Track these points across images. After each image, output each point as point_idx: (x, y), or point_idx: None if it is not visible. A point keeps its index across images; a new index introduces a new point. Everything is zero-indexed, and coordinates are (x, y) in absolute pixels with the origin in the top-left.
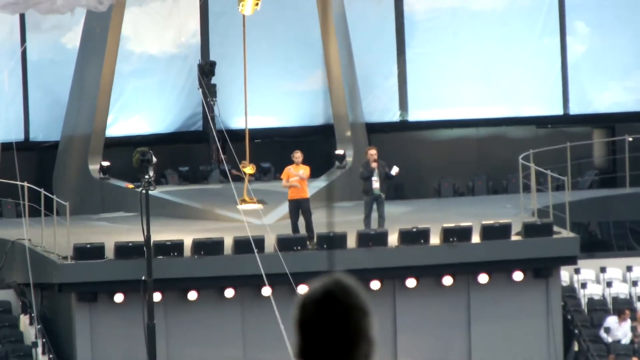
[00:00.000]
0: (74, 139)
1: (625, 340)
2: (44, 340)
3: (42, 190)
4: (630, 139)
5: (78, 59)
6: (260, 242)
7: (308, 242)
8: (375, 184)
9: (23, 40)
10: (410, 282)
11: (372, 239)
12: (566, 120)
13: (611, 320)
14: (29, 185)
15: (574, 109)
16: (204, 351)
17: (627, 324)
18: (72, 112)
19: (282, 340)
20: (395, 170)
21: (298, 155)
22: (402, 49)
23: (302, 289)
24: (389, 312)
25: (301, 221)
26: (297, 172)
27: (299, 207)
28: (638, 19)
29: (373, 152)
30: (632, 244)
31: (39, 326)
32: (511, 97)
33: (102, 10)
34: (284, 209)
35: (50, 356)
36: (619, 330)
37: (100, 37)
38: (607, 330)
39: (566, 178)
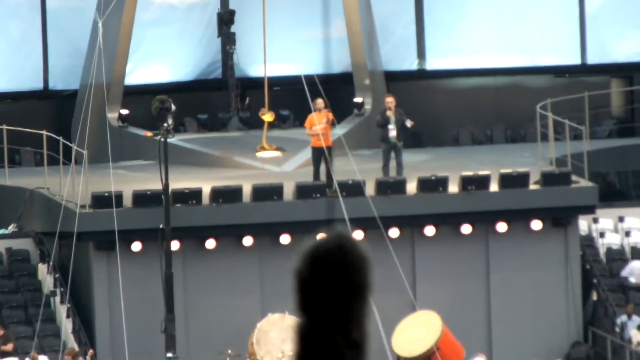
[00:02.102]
0: (93, 87)
1: None
2: (62, 289)
3: (60, 138)
4: None
5: (97, 7)
6: (279, 190)
7: (327, 190)
8: (392, 132)
9: None
10: (429, 230)
11: (391, 187)
12: (584, 69)
13: (636, 265)
14: (47, 133)
15: (592, 59)
16: (222, 300)
17: None
18: (91, 61)
19: None
20: (409, 123)
21: (320, 102)
22: None
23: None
24: (408, 261)
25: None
26: (320, 120)
27: (321, 155)
28: None
29: (390, 100)
30: None
31: (57, 275)
32: (529, 46)
33: None
34: (303, 156)
35: (69, 305)
36: None
37: None
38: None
39: (584, 127)
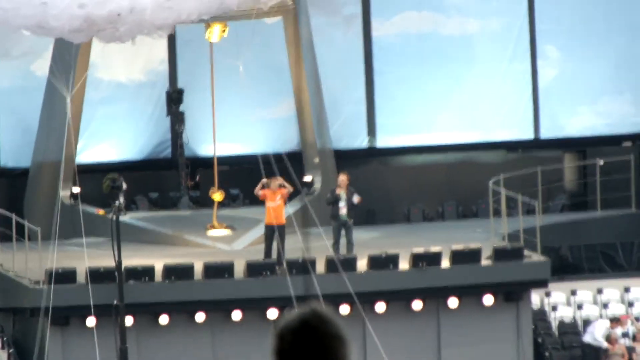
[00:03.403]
0: (44, 165)
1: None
2: None
3: (13, 215)
4: (602, 163)
5: (47, 86)
6: (230, 268)
7: (277, 268)
8: (343, 210)
9: None
10: (380, 307)
11: (341, 265)
12: (537, 144)
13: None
14: (0, 210)
15: (545, 133)
16: None
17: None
18: (42, 140)
19: None
20: (356, 198)
21: (275, 183)
22: (370, 75)
23: (276, 316)
24: (359, 337)
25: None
26: (274, 197)
27: (274, 232)
28: (608, 44)
29: (342, 178)
30: (603, 266)
31: (11, 350)
32: (481, 122)
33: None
34: (253, 234)
35: None
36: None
37: (68, 65)
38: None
39: (537, 202)
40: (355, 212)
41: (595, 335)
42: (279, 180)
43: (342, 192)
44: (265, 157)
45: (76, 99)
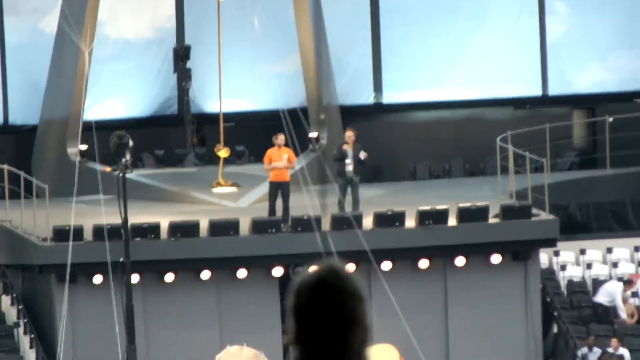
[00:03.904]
0: (52, 122)
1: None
2: (25, 320)
3: (21, 172)
4: (611, 120)
5: (55, 44)
6: (235, 225)
7: (282, 225)
8: (349, 166)
9: (1, 23)
10: (386, 266)
11: (347, 222)
12: (545, 101)
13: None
14: (8, 167)
15: (553, 90)
16: (181, 332)
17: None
18: (49, 97)
19: (256, 320)
20: (363, 154)
21: (282, 138)
22: (376, 31)
23: (281, 274)
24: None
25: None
26: (279, 155)
27: (279, 189)
28: None
29: (349, 135)
30: (612, 225)
31: (21, 307)
32: (489, 78)
33: None
34: (258, 191)
35: (32, 336)
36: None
37: (77, 22)
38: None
39: (545, 159)
40: (362, 169)
41: (617, 301)
42: (282, 136)
43: (348, 149)
44: (279, 113)
45: (83, 57)
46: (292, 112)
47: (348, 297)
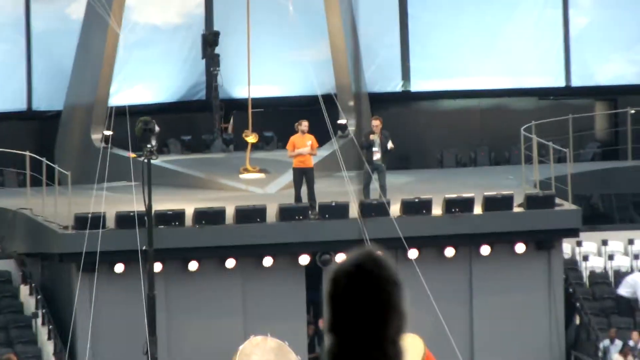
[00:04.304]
0: (76, 108)
1: None
2: (43, 310)
3: (44, 159)
4: (633, 112)
5: (82, 29)
6: (262, 212)
7: (310, 212)
8: (377, 154)
9: (27, 10)
10: (412, 253)
11: (374, 209)
12: (568, 92)
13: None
14: (31, 154)
15: (576, 81)
16: (204, 322)
17: None
18: (75, 82)
19: (281, 310)
20: (390, 145)
21: (305, 124)
22: (404, 19)
23: (308, 261)
24: None
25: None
26: (303, 142)
27: (303, 176)
28: None
29: (376, 123)
30: (634, 216)
31: (39, 296)
32: (513, 68)
33: None
34: (286, 178)
35: (50, 327)
36: None
37: (104, 8)
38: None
39: (568, 150)
40: (389, 157)
41: (639, 294)
42: (306, 122)
43: (375, 137)
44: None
45: (110, 42)
46: (325, 98)
47: (386, 284)
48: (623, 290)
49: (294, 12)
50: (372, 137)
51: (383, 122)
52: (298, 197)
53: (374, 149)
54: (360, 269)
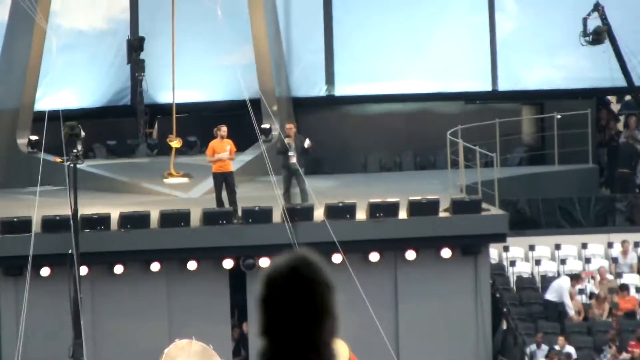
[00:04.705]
0: (2, 113)
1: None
2: None
3: None
4: (559, 117)
5: (7, 33)
6: (186, 216)
7: (233, 216)
8: (292, 158)
9: None
10: (337, 258)
11: (298, 214)
12: (495, 96)
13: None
14: None
15: (503, 85)
16: (130, 325)
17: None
18: (0, 87)
19: (206, 313)
20: (307, 143)
21: (224, 129)
22: (329, 23)
23: (267, 264)
24: None
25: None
26: (222, 147)
27: (223, 180)
28: None
29: (289, 126)
30: (560, 221)
31: None
32: (440, 72)
33: None
34: (210, 182)
35: None
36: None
37: (30, 4)
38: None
39: (495, 154)
40: (307, 159)
41: (565, 298)
42: (225, 128)
43: (290, 141)
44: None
45: (35, 46)
46: (251, 102)
47: (320, 286)
48: (550, 295)
49: (217, 17)
50: (287, 140)
51: (306, 126)
52: (219, 201)
53: (290, 152)
54: (295, 271)
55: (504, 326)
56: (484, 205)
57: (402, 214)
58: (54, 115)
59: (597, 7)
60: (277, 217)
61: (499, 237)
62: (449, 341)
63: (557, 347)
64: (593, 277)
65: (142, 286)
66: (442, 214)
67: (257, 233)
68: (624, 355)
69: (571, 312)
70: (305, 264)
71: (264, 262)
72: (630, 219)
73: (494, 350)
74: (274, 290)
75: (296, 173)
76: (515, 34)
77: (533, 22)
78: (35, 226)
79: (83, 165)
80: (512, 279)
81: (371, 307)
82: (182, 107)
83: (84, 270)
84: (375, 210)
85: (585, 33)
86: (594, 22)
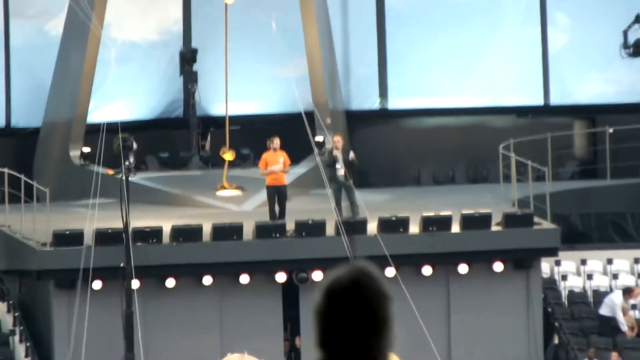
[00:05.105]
0: (55, 125)
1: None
2: (21, 328)
3: (22, 176)
4: (611, 131)
5: (61, 46)
6: (238, 229)
7: (286, 230)
8: (340, 171)
9: (6, 26)
10: (390, 272)
11: (351, 227)
12: (547, 110)
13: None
14: (9, 171)
15: (555, 100)
16: (182, 339)
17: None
18: (54, 99)
19: (258, 327)
20: (351, 155)
21: (277, 142)
22: (382, 37)
23: (320, 277)
24: None
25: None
26: (275, 159)
27: (276, 193)
28: (618, 10)
29: (337, 139)
30: (612, 236)
31: (17, 314)
32: (492, 86)
33: None
34: (263, 195)
35: (28, 344)
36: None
37: (83, 24)
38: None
39: (547, 168)
40: (353, 172)
41: (617, 314)
42: (277, 140)
43: (338, 154)
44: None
45: (89, 57)
46: (303, 116)
47: (379, 298)
48: (603, 310)
49: (271, 29)
50: (335, 153)
51: (359, 139)
52: (272, 215)
53: (337, 166)
54: (355, 283)
55: (556, 341)
56: (536, 219)
57: (455, 228)
58: (109, 127)
59: (639, 19)
60: (330, 230)
61: (551, 252)
62: (500, 355)
63: None
64: None
65: (194, 300)
66: (494, 228)
67: (310, 246)
68: None
69: (624, 327)
70: (365, 276)
71: (317, 275)
72: None
73: None
74: (333, 302)
75: (345, 185)
76: (567, 47)
77: (585, 35)
78: (87, 239)
79: (135, 178)
80: (564, 294)
81: (423, 321)
82: (235, 120)
83: (135, 283)
84: (428, 223)
85: (625, 45)
86: (635, 34)
